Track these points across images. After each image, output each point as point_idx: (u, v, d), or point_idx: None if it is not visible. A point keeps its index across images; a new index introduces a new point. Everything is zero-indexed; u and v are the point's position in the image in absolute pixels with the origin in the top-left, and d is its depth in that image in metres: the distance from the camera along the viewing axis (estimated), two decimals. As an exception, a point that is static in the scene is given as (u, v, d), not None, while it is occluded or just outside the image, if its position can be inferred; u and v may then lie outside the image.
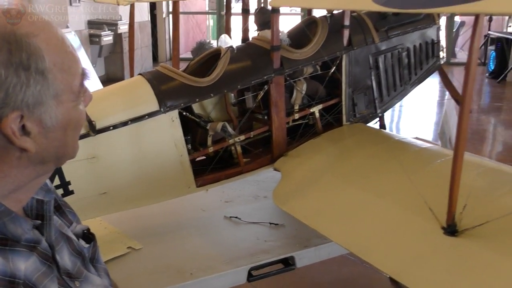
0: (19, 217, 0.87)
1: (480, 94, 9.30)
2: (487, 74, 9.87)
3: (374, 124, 2.97)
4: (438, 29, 3.09)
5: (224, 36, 2.77)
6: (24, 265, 0.85)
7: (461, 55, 11.93)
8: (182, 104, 2.30)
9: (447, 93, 3.84)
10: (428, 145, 2.46)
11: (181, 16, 3.61)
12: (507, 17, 10.67)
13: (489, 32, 10.31)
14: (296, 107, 2.64)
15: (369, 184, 2.13)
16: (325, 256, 2.42)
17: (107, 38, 8.24)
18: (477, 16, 1.53)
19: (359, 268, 3.38)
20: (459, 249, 1.67)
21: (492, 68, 9.69)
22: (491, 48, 9.99)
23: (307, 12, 3.02)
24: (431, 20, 3.03)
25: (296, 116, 2.64)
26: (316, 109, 2.67)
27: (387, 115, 6.90)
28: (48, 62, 0.80)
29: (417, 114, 7.30)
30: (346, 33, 2.66)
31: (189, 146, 2.37)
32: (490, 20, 10.34)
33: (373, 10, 2.50)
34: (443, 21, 3.20)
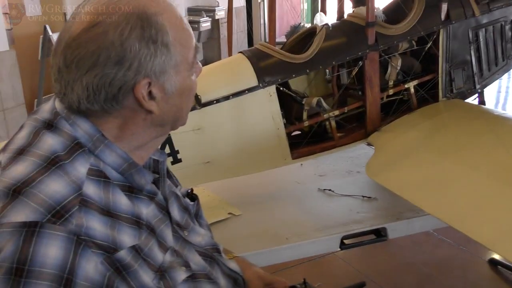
0: (143, 169, 1.02)
1: None
2: None
3: (473, 100, 2.90)
4: (548, -2, 2.93)
5: (319, 15, 2.85)
6: (146, 210, 1.00)
7: None
8: (279, 80, 2.42)
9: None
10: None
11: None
12: None
13: None
14: (391, 83, 2.66)
15: (464, 157, 2.13)
16: (417, 229, 2.45)
17: (205, 24, 8.58)
18: None
19: (455, 250, 3.34)
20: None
21: None
22: None
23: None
24: (539, -11, 2.88)
25: (391, 92, 2.67)
26: (411, 85, 2.67)
27: (492, 98, 6.57)
28: (171, 36, 0.95)
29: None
30: (444, 7, 2.62)
31: (285, 120, 2.49)
32: None
33: None
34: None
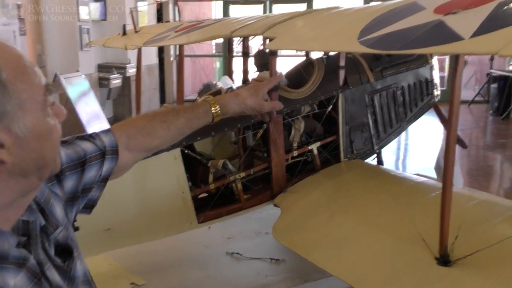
0: (4, 232, 0.91)
1: (485, 131, 9.34)
2: (491, 111, 9.92)
3: (372, 160, 3.04)
4: (431, 68, 3.21)
5: (225, 78, 2.90)
6: (14, 280, 0.89)
7: (464, 93, 12.05)
8: (184, 143, 2.39)
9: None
10: (423, 179, 2.52)
11: (188, 59, 3.75)
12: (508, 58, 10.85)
13: (491, 70, 10.46)
14: (295, 145, 2.73)
15: (365, 217, 2.19)
16: (324, 290, 2.46)
17: (115, 81, 8.45)
18: (456, 57, 1.63)
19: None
20: (452, 278, 1.71)
21: (496, 105, 9.75)
22: (494, 86, 10.11)
23: (305, 54, 3.15)
24: (424, 60, 3.15)
25: (295, 153, 2.73)
26: (314, 147, 2.75)
27: (392, 153, 6.97)
28: (6, 75, 0.87)
29: (423, 151, 7.36)
30: (341, 73, 2.77)
31: (190, 183, 2.45)
32: (491, 58, 10.51)
33: (359, 51, 2.60)
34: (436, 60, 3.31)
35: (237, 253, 2.64)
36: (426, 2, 1.86)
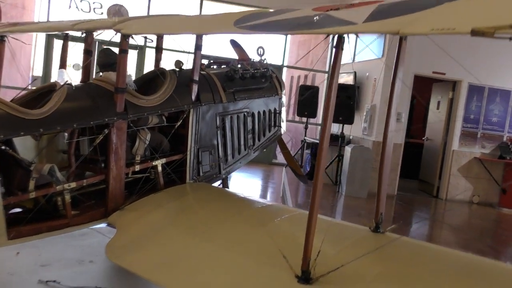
0: None
1: (297, 192, 9.97)
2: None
3: (218, 185, 2.87)
4: (280, 100, 3.22)
5: (61, 71, 2.48)
6: None
7: (280, 157, 12.87)
8: (1, 136, 1.91)
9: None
10: (271, 203, 2.42)
11: None
12: (319, 127, 12.02)
13: (305, 138, 11.43)
14: (138, 158, 2.41)
15: (216, 236, 1.96)
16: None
17: None
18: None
19: None
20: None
21: (308, 169, 10.54)
22: (307, 151, 10.98)
23: (156, 63, 2.86)
24: (274, 90, 3.15)
25: (137, 167, 2.40)
26: (158, 163, 2.47)
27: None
28: None
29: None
30: (194, 88, 2.59)
31: (3, 188, 1.95)
32: (306, 128, 11.53)
33: (237, 33, 2.41)
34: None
35: (54, 281, 2.15)
36: (299, 6, 1.81)
